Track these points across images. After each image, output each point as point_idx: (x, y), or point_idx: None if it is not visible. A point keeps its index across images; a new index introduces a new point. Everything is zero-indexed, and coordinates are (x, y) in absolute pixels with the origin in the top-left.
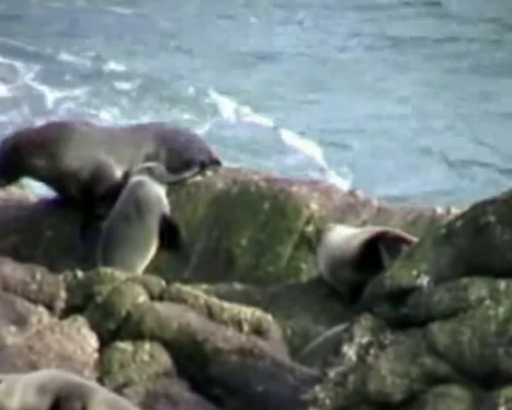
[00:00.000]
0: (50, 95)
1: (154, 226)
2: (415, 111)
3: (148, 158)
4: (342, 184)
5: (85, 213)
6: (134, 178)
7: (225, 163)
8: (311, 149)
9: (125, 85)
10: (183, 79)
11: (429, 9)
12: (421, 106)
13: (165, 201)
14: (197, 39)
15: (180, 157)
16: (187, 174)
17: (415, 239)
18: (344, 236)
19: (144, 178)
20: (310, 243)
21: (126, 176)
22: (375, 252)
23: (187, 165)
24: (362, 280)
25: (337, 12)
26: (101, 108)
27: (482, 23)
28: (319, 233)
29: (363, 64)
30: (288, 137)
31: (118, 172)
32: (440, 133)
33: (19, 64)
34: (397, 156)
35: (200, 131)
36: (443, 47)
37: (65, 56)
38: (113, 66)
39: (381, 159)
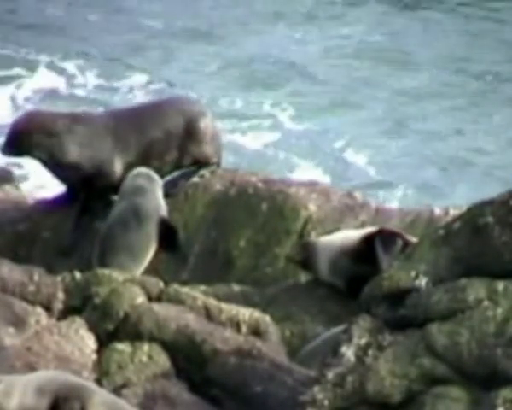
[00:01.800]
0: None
1: (152, 232)
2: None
3: (160, 155)
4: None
5: (81, 206)
6: (132, 183)
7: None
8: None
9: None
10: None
11: None
12: None
13: (163, 204)
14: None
15: (199, 154)
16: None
17: (412, 239)
18: (344, 233)
19: (142, 183)
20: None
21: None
22: (372, 247)
23: (204, 164)
24: (360, 273)
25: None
26: None
27: None
28: (318, 234)
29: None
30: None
31: (120, 167)
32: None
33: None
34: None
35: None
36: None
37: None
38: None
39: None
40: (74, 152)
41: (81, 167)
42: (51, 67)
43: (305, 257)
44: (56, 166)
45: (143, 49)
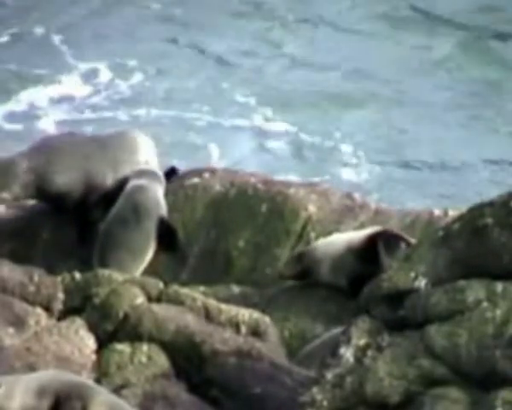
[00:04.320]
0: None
1: (151, 230)
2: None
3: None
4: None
5: (81, 219)
6: (133, 182)
7: None
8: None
9: None
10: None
11: None
12: None
13: (163, 203)
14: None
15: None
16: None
17: (413, 241)
18: (348, 233)
19: (143, 181)
20: (308, 245)
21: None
22: (375, 247)
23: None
24: (363, 271)
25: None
26: None
27: None
28: (317, 235)
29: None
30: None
31: (109, 178)
32: None
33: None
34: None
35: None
36: None
37: None
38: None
39: None
40: (61, 182)
41: (73, 192)
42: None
43: (303, 266)
44: (49, 199)
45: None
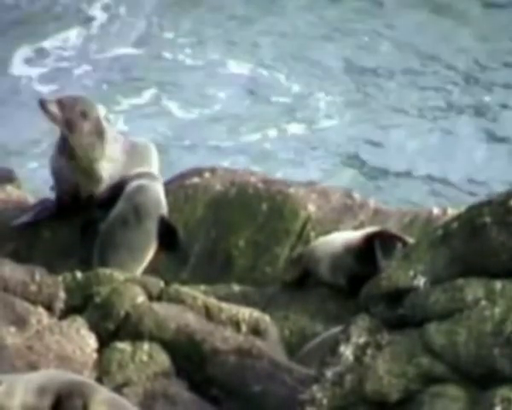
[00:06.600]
0: None
1: (152, 230)
2: None
3: None
4: None
5: (84, 218)
6: (133, 183)
7: None
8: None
9: None
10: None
11: None
12: None
13: (163, 203)
14: None
15: None
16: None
17: (411, 241)
18: (347, 232)
19: (144, 181)
20: (307, 245)
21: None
22: (372, 248)
23: None
24: (361, 271)
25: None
26: None
27: None
28: (316, 235)
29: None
30: None
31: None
32: None
33: None
34: None
35: None
36: None
37: None
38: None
39: None
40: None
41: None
42: None
43: (302, 266)
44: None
45: None
